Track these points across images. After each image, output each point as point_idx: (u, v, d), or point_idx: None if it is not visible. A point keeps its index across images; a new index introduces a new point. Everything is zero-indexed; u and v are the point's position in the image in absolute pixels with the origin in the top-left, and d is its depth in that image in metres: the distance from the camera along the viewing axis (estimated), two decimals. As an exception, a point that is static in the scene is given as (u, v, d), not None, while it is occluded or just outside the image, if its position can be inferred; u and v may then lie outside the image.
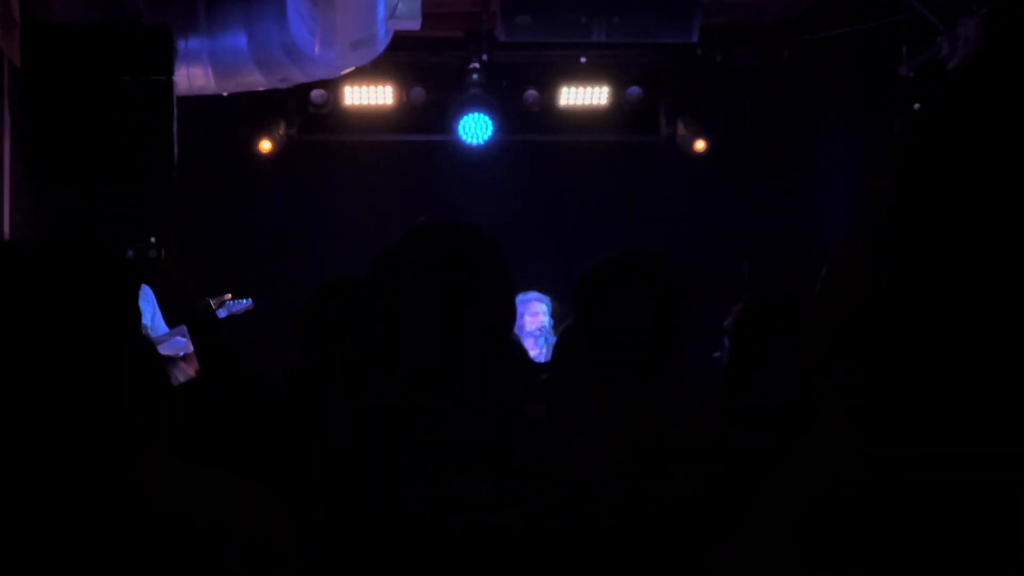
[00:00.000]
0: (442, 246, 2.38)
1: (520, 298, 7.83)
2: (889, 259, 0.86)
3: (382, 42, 8.69)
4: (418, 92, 11.46)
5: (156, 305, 8.14)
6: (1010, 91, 0.84)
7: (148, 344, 3.34)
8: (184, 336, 7.69)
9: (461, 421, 2.30)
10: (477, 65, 11.12)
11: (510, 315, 2.47)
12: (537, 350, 8.26)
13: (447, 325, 2.32)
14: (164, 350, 7.42)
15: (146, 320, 8.06)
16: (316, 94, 11.38)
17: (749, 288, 9.93)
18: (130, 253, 6.07)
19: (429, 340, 2.33)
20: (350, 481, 2.25)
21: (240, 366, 3.86)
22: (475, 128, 11.37)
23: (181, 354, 7.46)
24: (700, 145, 11.61)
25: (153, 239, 6.10)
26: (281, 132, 11.54)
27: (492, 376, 2.37)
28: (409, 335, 2.34)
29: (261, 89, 9.28)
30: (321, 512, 2.18)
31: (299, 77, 9.10)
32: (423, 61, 11.31)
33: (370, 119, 11.68)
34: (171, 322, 8.17)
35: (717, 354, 7.77)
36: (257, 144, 11.42)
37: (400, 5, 8.46)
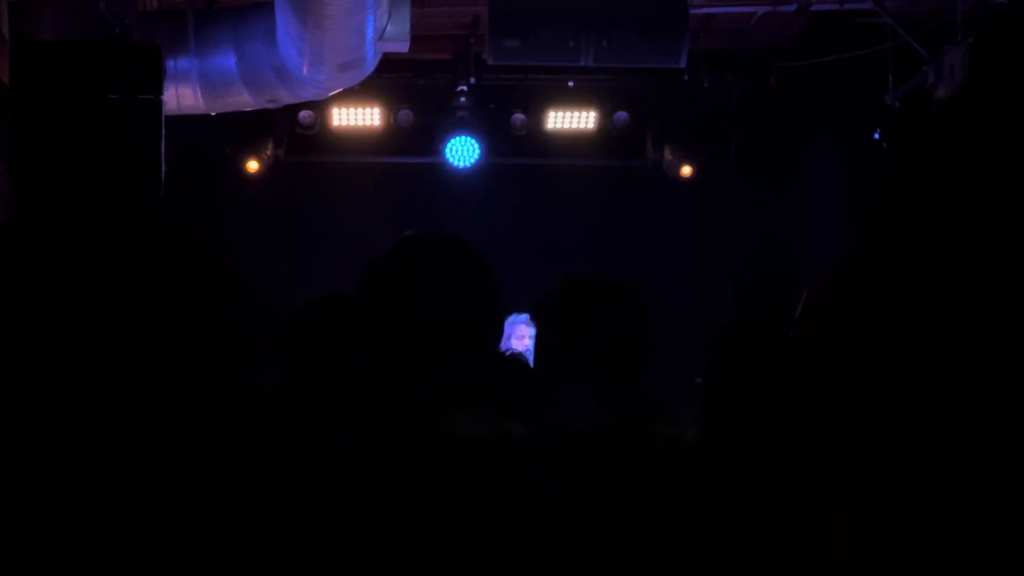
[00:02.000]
0: (429, 257, 2.40)
1: (509, 320, 7.82)
2: (864, 293, 0.86)
3: (370, 64, 8.71)
4: (406, 114, 11.47)
5: None
6: (995, 125, 0.84)
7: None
8: None
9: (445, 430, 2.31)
10: (465, 88, 11.14)
11: (497, 326, 2.48)
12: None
13: (435, 336, 2.33)
14: None
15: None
16: (304, 115, 11.39)
17: (733, 313, 9.94)
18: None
19: (417, 351, 2.34)
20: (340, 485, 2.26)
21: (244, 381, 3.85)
22: (462, 151, 11.38)
23: None
24: (687, 170, 11.62)
25: None
26: (268, 152, 11.54)
27: (480, 388, 2.38)
28: (397, 346, 2.35)
29: (249, 109, 9.29)
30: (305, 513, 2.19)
31: (287, 98, 9.11)
32: (411, 83, 11.33)
33: (357, 140, 11.69)
34: None
35: (699, 379, 7.77)
36: (244, 164, 11.42)
37: (389, 27, 8.48)
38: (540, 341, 3.09)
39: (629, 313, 3.04)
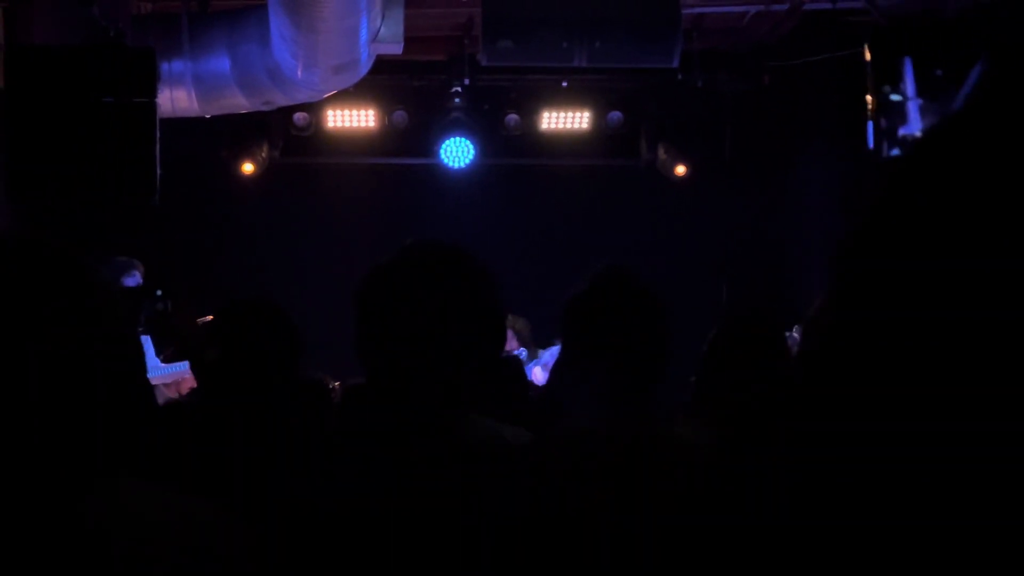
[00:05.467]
0: (432, 265, 2.41)
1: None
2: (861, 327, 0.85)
3: (364, 66, 8.71)
4: (400, 115, 11.48)
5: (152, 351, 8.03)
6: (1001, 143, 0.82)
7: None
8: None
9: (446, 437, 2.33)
10: (459, 89, 11.14)
11: (500, 334, 2.49)
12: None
13: (437, 343, 2.35)
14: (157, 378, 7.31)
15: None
16: (299, 117, 11.39)
17: (727, 312, 9.96)
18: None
19: (419, 356, 2.35)
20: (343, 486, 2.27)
21: None
22: (457, 152, 11.39)
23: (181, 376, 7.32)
24: (680, 170, 11.64)
25: (159, 291, 6.10)
26: (264, 154, 11.54)
27: (482, 395, 2.39)
28: (399, 352, 2.36)
29: (244, 111, 9.30)
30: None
31: (282, 100, 9.12)
32: (405, 85, 11.34)
33: (352, 142, 11.70)
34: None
35: (694, 378, 7.77)
36: (240, 166, 11.43)
37: (382, 29, 8.49)
38: (565, 340, 3.08)
39: (651, 316, 3.04)
